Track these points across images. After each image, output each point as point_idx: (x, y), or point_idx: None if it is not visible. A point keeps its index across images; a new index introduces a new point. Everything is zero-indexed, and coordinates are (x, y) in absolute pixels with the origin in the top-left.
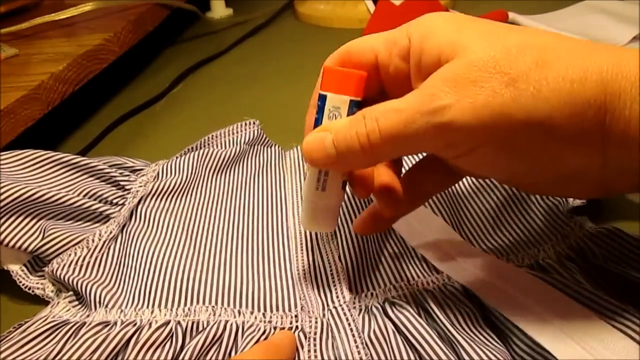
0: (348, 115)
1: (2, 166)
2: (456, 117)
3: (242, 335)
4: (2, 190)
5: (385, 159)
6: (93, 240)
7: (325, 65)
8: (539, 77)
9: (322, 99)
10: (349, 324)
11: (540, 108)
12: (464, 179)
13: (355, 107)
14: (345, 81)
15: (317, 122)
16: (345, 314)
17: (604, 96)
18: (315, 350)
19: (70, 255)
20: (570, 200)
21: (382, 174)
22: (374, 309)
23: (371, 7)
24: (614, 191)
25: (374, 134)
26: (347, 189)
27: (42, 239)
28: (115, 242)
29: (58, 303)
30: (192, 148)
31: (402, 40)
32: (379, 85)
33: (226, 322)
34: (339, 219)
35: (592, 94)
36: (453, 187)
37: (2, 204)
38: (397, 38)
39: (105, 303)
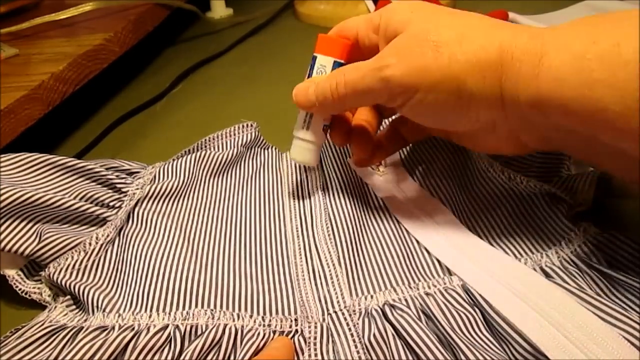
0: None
1: None
2: (394, 73)
3: (241, 339)
4: None
5: (351, 106)
6: (90, 244)
7: (319, 34)
8: (457, 45)
9: (314, 59)
10: (349, 328)
11: (453, 67)
12: (467, 186)
13: (338, 67)
14: (332, 46)
15: (309, 77)
16: (345, 319)
17: (501, 60)
18: (315, 355)
19: (67, 259)
20: (575, 205)
21: (359, 125)
22: (374, 312)
23: (371, 7)
24: (529, 147)
25: (340, 85)
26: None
27: (39, 242)
28: (113, 245)
29: (55, 307)
30: (189, 150)
31: (375, 19)
32: (361, 55)
33: (225, 325)
34: (336, 224)
35: (492, 58)
36: (458, 191)
37: None
38: (373, 17)
39: (103, 307)
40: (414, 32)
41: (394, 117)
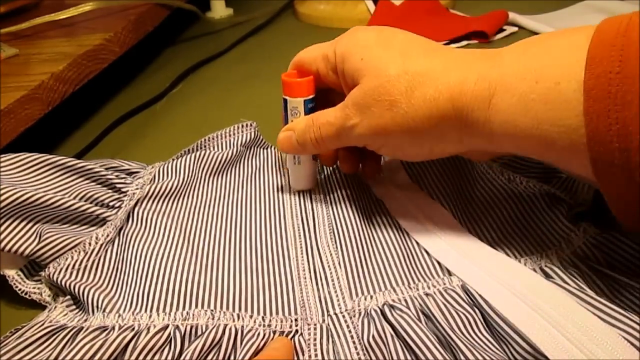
0: (305, 110)
1: None
2: (361, 132)
3: (242, 340)
4: None
5: (331, 149)
6: (90, 244)
7: (282, 76)
8: (407, 101)
9: (285, 102)
10: (349, 329)
11: (408, 123)
12: (466, 187)
13: (309, 103)
14: (297, 87)
15: (285, 120)
16: (345, 319)
17: (453, 109)
18: (315, 355)
19: (66, 259)
20: (575, 205)
21: (344, 149)
22: (373, 313)
23: (371, 7)
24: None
25: (319, 138)
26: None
27: (38, 242)
28: (112, 245)
29: (55, 307)
30: (189, 150)
31: (332, 58)
32: (324, 83)
33: (225, 326)
34: (338, 225)
35: (444, 110)
36: (458, 193)
37: None
38: (329, 55)
39: (103, 307)
40: (367, 89)
41: None
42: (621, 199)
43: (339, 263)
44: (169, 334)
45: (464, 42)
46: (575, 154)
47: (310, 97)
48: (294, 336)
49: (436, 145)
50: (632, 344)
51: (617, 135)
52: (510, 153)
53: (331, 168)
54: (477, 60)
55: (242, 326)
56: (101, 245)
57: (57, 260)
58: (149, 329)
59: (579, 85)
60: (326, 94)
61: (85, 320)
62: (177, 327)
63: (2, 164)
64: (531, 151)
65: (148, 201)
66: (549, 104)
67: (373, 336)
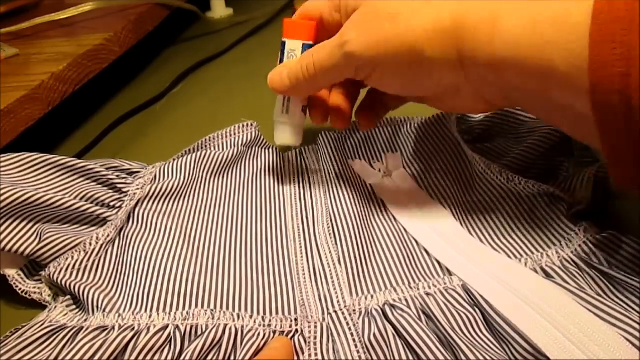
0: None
1: None
2: (355, 47)
3: (242, 339)
4: None
5: (324, 85)
6: (90, 244)
7: (284, 19)
8: (413, 15)
9: (283, 44)
10: (349, 328)
11: (409, 36)
12: (466, 188)
13: (307, 48)
14: (299, 29)
15: (280, 62)
16: (345, 318)
17: (455, 27)
18: (315, 354)
19: (67, 259)
20: (575, 205)
21: (335, 100)
22: (374, 312)
23: None
24: (495, 105)
25: (310, 66)
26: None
27: (39, 242)
28: (113, 245)
29: (55, 307)
30: (189, 150)
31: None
32: (327, 35)
33: (225, 325)
34: (337, 224)
35: (446, 26)
36: (458, 193)
37: None
38: None
39: (103, 307)
40: (370, 6)
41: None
42: (619, 141)
43: (339, 262)
44: (169, 333)
45: None
46: (574, 79)
47: (310, 42)
48: (294, 336)
49: (434, 70)
50: (631, 343)
51: (620, 59)
52: (509, 85)
53: (332, 166)
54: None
55: (242, 326)
56: (101, 245)
57: (58, 260)
58: (149, 328)
59: (588, 9)
60: None
61: (85, 320)
62: (177, 327)
63: (2, 164)
64: (529, 77)
65: (149, 201)
66: (556, 25)
67: (374, 335)
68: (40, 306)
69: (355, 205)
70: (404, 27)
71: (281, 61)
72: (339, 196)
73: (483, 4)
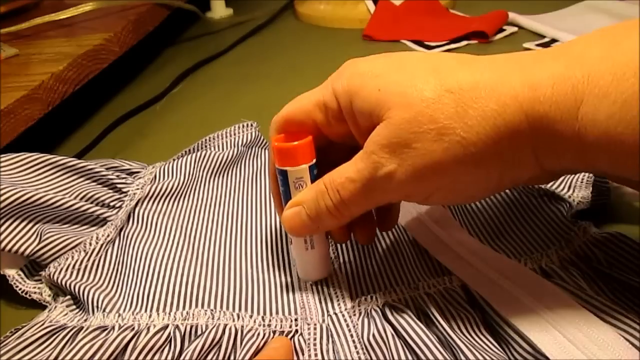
0: (311, 179)
1: None
2: (402, 178)
3: (241, 339)
4: None
5: (355, 216)
6: (90, 244)
7: (273, 143)
8: (462, 124)
9: (283, 173)
10: (349, 329)
11: (469, 151)
12: None
13: (314, 169)
14: (297, 153)
15: (287, 195)
16: (345, 319)
17: (527, 122)
18: (315, 355)
19: (67, 259)
20: (575, 205)
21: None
22: (374, 313)
23: (371, 7)
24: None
25: (339, 204)
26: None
27: (39, 242)
28: (113, 245)
29: (55, 307)
30: (189, 150)
31: (332, 104)
32: (326, 138)
33: (225, 325)
34: None
35: (513, 123)
36: None
37: None
38: (327, 101)
39: (103, 307)
40: (398, 123)
41: None
42: None
43: (339, 263)
44: (169, 333)
45: (464, 42)
46: None
47: (314, 161)
48: (293, 336)
49: (506, 174)
50: (631, 343)
51: None
52: (600, 172)
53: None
54: (542, 60)
55: (242, 326)
56: (101, 245)
57: (58, 260)
58: (148, 328)
59: None
60: (325, 153)
61: (85, 320)
62: (177, 326)
63: (2, 164)
64: (628, 160)
65: (149, 201)
66: None
67: (373, 335)
68: (40, 306)
69: None
70: (458, 144)
71: (287, 194)
72: None
73: (557, 85)
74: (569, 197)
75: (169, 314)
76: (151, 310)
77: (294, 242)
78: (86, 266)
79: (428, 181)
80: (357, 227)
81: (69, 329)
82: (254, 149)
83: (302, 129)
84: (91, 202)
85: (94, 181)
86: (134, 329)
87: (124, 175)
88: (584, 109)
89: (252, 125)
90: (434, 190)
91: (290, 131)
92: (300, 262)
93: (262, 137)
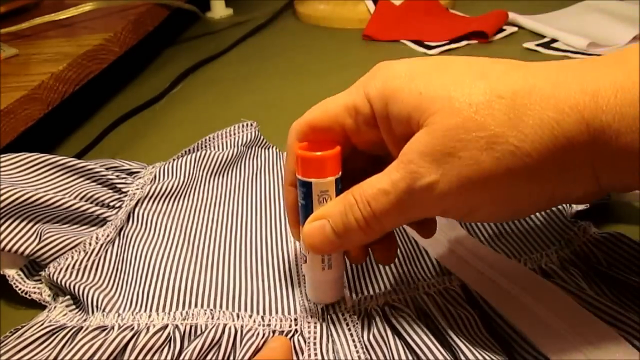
0: (336, 192)
1: None
2: (445, 190)
3: (241, 339)
4: None
5: (386, 232)
6: (90, 244)
7: (297, 152)
8: (515, 133)
9: (307, 185)
10: (349, 328)
11: (524, 162)
12: None
13: (339, 183)
14: (326, 164)
15: (308, 209)
16: (345, 319)
17: (588, 133)
18: (315, 354)
19: (67, 259)
20: (574, 205)
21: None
22: (374, 313)
23: (371, 7)
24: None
25: (370, 218)
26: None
27: (39, 242)
28: (113, 245)
29: (55, 307)
30: (189, 150)
31: (364, 108)
32: (351, 147)
33: (225, 325)
34: None
35: (572, 133)
36: None
37: None
38: (358, 105)
39: (103, 307)
40: (443, 129)
41: None
42: None
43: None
44: (169, 333)
45: (464, 42)
46: None
47: (340, 174)
48: (293, 336)
49: (560, 189)
50: (631, 343)
51: None
52: None
53: None
54: (598, 68)
55: (242, 325)
56: (101, 245)
57: (57, 260)
58: (148, 328)
59: None
60: (352, 161)
61: (85, 320)
62: (177, 326)
63: (2, 164)
64: None
65: (148, 201)
66: None
67: (373, 335)
68: (40, 306)
69: None
70: (511, 153)
71: (308, 207)
72: None
73: (620, 94)
74: None
75: (169, 313)
76: (151, 310)
77: (310, 260)
78: (86, 266)
79: (473, 194)
80: (378, 246)
81: (68, 329)
82: (254, 148)
83: (327, 136)
84: (91, 202)
85: (93, 181)
86: (133, 328)
87: (123, 175)
88: None
89: (252, 125)
90: (478, 204)
91: (312, 139)
92: (313, 282)
93: (262, 137)
